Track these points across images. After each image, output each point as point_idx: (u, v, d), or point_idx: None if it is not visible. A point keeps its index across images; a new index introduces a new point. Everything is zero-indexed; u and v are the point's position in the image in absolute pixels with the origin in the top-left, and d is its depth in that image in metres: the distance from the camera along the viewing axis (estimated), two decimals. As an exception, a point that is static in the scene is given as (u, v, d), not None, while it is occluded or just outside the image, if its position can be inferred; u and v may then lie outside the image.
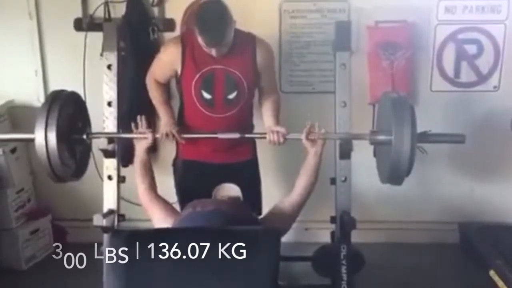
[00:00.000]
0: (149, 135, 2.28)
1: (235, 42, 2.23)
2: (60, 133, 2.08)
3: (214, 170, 2.44)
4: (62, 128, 2.11)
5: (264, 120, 2.43)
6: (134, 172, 2.31)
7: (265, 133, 2.32)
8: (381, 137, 2.17)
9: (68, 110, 2.18)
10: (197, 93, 2.31)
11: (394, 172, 2.07)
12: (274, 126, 2.33)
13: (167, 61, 2.37)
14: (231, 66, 2.28)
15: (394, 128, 2.02)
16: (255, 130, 2.53)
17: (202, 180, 2.40)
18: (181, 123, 2.45)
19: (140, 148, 2.31)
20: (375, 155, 2.48)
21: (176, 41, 2.36)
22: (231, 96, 2.32)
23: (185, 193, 2.46)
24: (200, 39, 2.16)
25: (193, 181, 2.47)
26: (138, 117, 2.31)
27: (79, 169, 2.33)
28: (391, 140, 2.03)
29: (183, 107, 2.46)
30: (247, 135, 2.37)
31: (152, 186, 2.26)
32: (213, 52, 2.20)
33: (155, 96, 2.45)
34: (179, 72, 2.33)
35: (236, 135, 2.30)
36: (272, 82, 2.48)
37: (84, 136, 2.30)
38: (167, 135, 2.31)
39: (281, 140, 2.27)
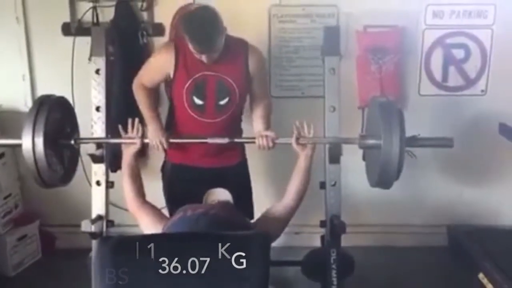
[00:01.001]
0: (137, 141, 2.27)
1: (227, 48, 2.23)
2: (47, 139, 2.06)
3: (203, 175, 2.43)
4: (49, 134, 2.08)
5: (254, 125, 2.42)
6: (122, 178, 2.29)
7: (254, 138, 2.32)
8: (370, 141, 2.17)
9: (56, 115, 2.16)
10: (188, 99, 2.30)
11: (383, 176, 2.08)
12: (264, 130, 2.33)
13: (160, 66, 2.35)
14: (223, 73, 2.28)
15: (383, 132, 2.02)
16: (244, 135, 2.53)
17: (191, 184, 2.39)
18: (171, 126, 2.44)
19: (128, 153, 2.29)
20: (364, 159, 2.50)
21: (169, 47, 2.34)
22: (223, 102, 2.32)
23: (174, 197, 2.45)
24: (190, 46, 2.16)
25: (182, 185, 2.46)
26: (130, 120, 2.30)
27: (67, 175, 2.30)
28: (380, 144, 2.03)
29: (173, 110, 2.45)
30: (236, 140, 2.36)
31: (141, 192, 2.24)
32: (204, 58, 2.20)
33: (142, 101, 2.41)
34: (171, 76, 2.31)
35: (225, 140, 2.30)
36: (263, 87, 2.48)
37: (72, 141, 2.27)
38: (157, 146, 2.31)
39: (270, 144, 2.28)
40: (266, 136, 2.27)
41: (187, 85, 2.28)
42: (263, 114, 2.41)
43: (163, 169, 2.57)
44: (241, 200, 2.36)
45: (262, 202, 2.40)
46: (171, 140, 2.33)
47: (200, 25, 2.12)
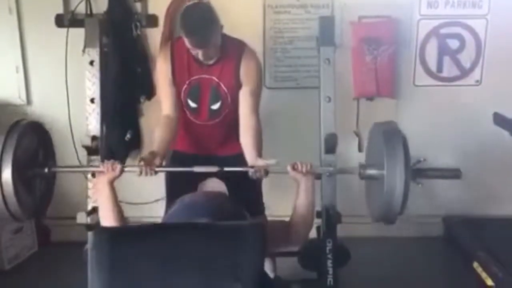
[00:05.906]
0: (117, 167, 2.02)
1: (223, 49, 2.21)
2: (17, 170, 1.87)
3: (205, 163, 2.27)
4: (20, 163, 1.89)
5: (245, 153, 2.23)
6: (100, 209, 2.04)
7: (245, 168, 2.14)
8: (371, 172, 2.03)
9: (27, 141, 1.99)
10: (184, 101, 2.31)
11: (386, 212, 1.94)
12: (255, 160, 2.14)
13: (163, 74, 2.29)
14: (217, 76, 2.26)
15: (387, 164, 1.88)
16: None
17: (192, 172, 2.24)
18: None
19: (104, 181, 2.01)
20: (359, 150, 2.49)
21: (164, 50, 2.33)
22: (215, 107, 2.31)
23: (174, 184, 2.41)
24: (186, 42, 2.14)
25: (183, 173, 2.33)
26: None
27: (40, 207, 2.12)
28: (383, 174, 1.89)
29: None
30: (225, 169, 2.12)
31: (123, 219, 2.02)
32: (200, 55, 2.17)
33: (156, 136, 2.23)
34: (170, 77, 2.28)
35: (214, 169, 2.09)
36: (252, 104, 2.26)
37: (46, 170, 2.08)
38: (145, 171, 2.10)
39: (264, 176, 2.12)
40: (259, 170, 2.10)
41: (183, 87, 2.28)
42: (252, 143, 2.20)
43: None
44: (246, 193, 2.19)
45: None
46: (157, 169, 2.13)
47: (194, 19, 2.10)
